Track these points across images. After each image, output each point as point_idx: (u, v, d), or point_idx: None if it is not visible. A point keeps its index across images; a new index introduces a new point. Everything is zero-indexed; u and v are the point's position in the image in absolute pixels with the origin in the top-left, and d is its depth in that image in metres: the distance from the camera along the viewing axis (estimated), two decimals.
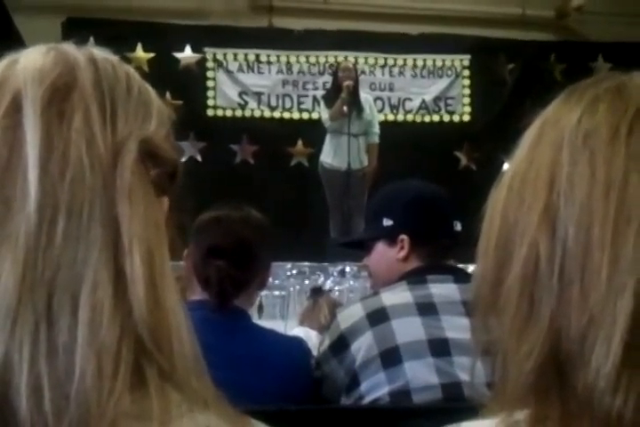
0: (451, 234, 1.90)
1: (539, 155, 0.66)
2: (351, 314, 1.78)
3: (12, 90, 0.63)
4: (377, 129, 6.52)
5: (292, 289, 5.67)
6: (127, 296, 0.60)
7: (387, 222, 1.92)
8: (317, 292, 4.94)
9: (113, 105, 0.64)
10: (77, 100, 0.63)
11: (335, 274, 5.73)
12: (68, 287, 0.58)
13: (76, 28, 7.30)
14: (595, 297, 0.59)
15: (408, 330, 1.71)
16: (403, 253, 1.88)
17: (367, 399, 1.71)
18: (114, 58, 0.69)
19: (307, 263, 5.79)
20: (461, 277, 1.80)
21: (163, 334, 0.61)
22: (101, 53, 0.68)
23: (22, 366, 0.56)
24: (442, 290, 1.78)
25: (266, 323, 4.20)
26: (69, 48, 0.68)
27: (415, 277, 1.83)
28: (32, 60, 0.65)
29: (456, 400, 1.63)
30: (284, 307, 5.60)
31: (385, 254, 1.92)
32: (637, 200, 0.60)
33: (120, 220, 0.61)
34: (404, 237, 1.88)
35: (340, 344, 1.75)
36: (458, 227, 1.91)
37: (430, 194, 1.96)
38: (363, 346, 1.71)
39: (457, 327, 1.69)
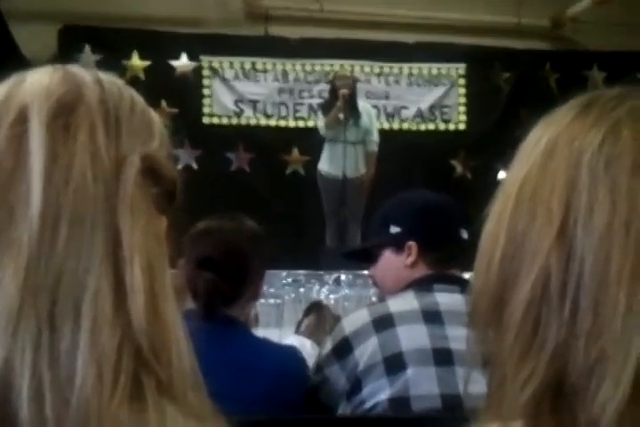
0: (458, 241, 1.90)
1: (552, 172, 0.64)
2: (357, 319, 1.78)
3: (19, 103, 0.64)
4: (376, 137, 6.51)
5: (286, 297, 5.66)
6: (127, 306, 0.60)
7: (394, 229, 1.91)
8: (319, 306, 4.95)
9: (118, 121, 0.66)
10: (83, 114, 0.64)
11: (330, 282, 5.73)
12: (71, 294, 0.59)
13: (73, 36, 7.33)
14: (608, 333, 0.58)
15: (413, 337, 1.71)
16: (410, 260, 1.88)
17: (368, 405, 1.70)
18: (119, 81, 0.70)
19: (302, 271, 5.79)
20: (467, 288, 1.80)
21: (161, 345, 0.62)
22: (107, 76, 0.70)
23: (24, 370, 0.57)
24: (448, 299, 1.78)
25: (261, 331, 4.18)
26: (76, 69, 0.69)
27: (422, 286, 1.83)
28: (39, 78, 0.67)
29: (455, 411, 1.62)
30: (279, 315, 5.59)
31: (392, 262, 1.92)
32: None
33: (121, 230, 0.61)
34: (411, 243, 1.88)
35: (344, 348, 1.74)
36: (465, 235, 1.90)
37: (437, 202, 1.96)
38: (367, 351, 1.71)
39: (461, 338, 1.68)
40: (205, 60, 7.70)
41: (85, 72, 0.69)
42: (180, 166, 6.74)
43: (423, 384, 1.67)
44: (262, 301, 5.18)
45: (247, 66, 7.75)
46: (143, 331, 0.60)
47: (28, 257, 0.59)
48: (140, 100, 0.70)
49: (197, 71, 7.69)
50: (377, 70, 7.89)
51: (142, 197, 0.64)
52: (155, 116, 0.71)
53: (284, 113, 7.81)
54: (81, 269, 0.60)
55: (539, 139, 0.67)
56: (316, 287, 5.71)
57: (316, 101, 7.58)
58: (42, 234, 0.59)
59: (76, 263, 0.60)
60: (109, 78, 0.69)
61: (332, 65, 7.70)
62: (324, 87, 7.38)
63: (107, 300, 0.59)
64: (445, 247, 1.89)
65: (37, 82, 0.66)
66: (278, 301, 5.60)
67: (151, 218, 0.65)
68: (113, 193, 0.62)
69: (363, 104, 6.62)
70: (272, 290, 5.43)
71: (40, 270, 0.59)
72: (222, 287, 1.76)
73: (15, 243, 0.59)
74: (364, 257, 2.06)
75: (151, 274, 0.62)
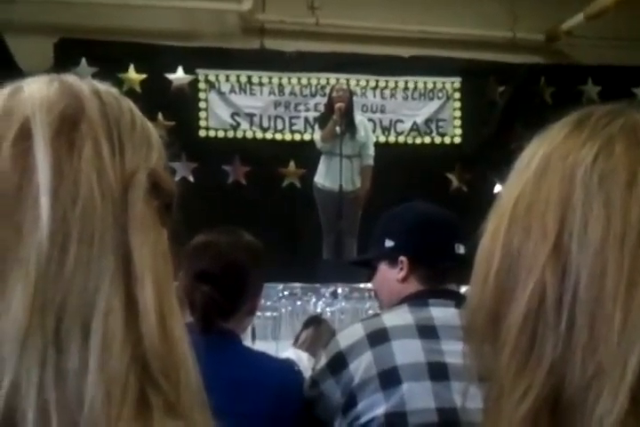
0: (452, 257, 1.88)
1: (546, 188, 0.64)
2: (351, 333, 1.78)
3: (20, 118, 0.62)
4: (372, 151, 6.51)
5: (283, 310, 5.64)
6: (138, 325, 0.59)
7: (388, 244, 1.92)
8: (317, 320, 4.93)
9: (120, 136, 0.65)
10: (86, 130, 0.63)
11: (327, 295, 5.71)
12: (78, 314, 0.58)
13: (69, 49, 7.34)
14: (605, 348, 0.58)
15: (408, 352, 1.71)
16: (402, 274, 1.88)
17: (363, 419, 1.69)
18: (114, 90, 0.69)
19: (298, 284, 5.78)
20: (462, 303, 1.79)
21: (171, 364, 0.61)
22: (102, 86, 0.69)
23: (30, 391, 0.56)
24: (443, 314, 1.78)
25: (258, 344, 4.16)
26: (72, 78, 0.68)
27: (416, 300, 1.83)
28: (37, 89, 0.65)
29: (452, 425, 1.62)
30: (276, 328, 5.57)
31: (386, 276, 1.93)
32: None
33: (132, 248, 0.61)
34: (403, 258, 1.88)
35: (339, 363, 1.74)
36: (460, 250, 1.89)
37: (433, 217, 1.95)
38: (361, 366, 1.70)
39: (456, 352, 1.67)
40: (201, 73, 7.71)
41: (81, 82, 0.67)
42: (176, 179, 6.71)
43: (419, 399, 1.66)
44: (259, 314, 5.17)
45: (243, 79, 7.77)
46: (155, 350, 0.59)
47: (37, 276, 0.58)
48: (137, 111, 0.70)
49: (194, 84, 7.70)
50: (372, 84, 7.92)
51: (149, 214, 0.64)
52: (151, 126, 0.70)
53: (280, 126, 7.82)
54: (90, 287, 0.59)
55: (532, 155, 0.67)
56: (313, 300, 5.69)
57: (311, 115, 7.59)
58: (50, 252, 0.58)
59: (85, 282, 0.59)
60: (105, 89, 0.68)
61: (327, 78, 7.72)
62: (320, 100, 7.40)
63: (118, 319, 0.59)
64: (438, 263, 1.88)
65: (36, 94, 0.65)
66: (275, 314, 5.58)
67: (159, 234, 0.64)
68: (121, 211, 0.61)
69: (360, 118, 6.64)
70: (269, 303, 5.41)
71: (48, 289, 0.58)
72: (219, 301, 1.76)
73: (23, 262, 0.58)
74: (369, 265, 2.06)
75: (161, 292, 0.62)
